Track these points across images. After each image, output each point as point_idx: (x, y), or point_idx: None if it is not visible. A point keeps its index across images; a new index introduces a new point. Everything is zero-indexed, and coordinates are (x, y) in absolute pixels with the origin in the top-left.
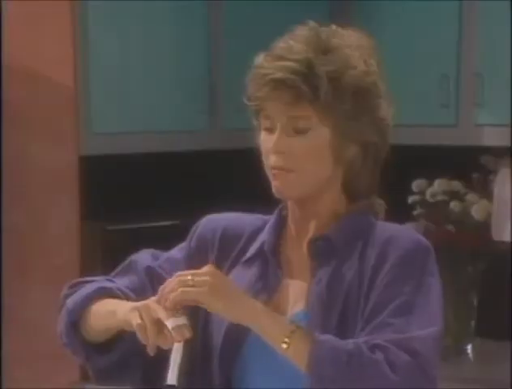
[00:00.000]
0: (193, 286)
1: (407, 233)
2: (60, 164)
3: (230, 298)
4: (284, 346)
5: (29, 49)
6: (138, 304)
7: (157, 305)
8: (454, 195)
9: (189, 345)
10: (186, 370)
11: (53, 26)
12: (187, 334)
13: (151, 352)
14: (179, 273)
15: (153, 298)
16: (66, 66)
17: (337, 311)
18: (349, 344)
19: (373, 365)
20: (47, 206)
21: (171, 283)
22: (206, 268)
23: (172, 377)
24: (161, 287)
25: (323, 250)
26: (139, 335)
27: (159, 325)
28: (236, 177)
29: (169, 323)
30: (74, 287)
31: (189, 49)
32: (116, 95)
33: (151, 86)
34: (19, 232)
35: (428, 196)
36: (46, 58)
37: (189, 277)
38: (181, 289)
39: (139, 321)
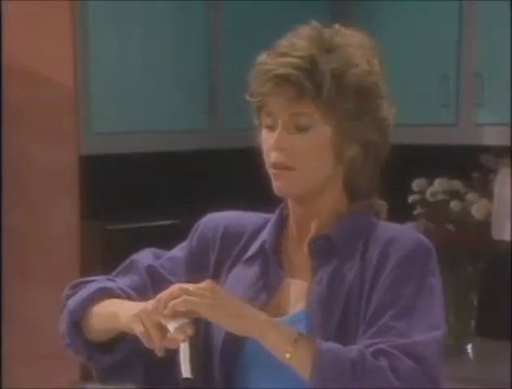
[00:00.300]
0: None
1: (409, 234)
2: (60, 164)
3: (230, 313)
4: (288, 356)
5: (29, 49)
6: (139, 309)
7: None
8: (454, 195)
9: (194, 340)
10: (198, 361)
11: (53, 26)
12: (189, 332)
13: (159, 354)
14: (178, 284)
15: (151, 301)
16: (66, 66)
17: (338, 311)
18: (352, 351)
19: (376, 371)
20: (47, 206)
21: (170, 289)
22: (204, 284)
23: (186, 370)
24: (159, 295)
25: (324, 250)
26: (144, 342)
27: (162, 329)
28: (236, 176)
29: (171, 326)
30: (76, 287)
31: (189, 49)
32: (116, 95)
33: (151, 86)
34: (19, 232)
35: (428, 195)
36: (46, 58)
37: (191, 288)
38: (183, 297)
39: (142, 328)
